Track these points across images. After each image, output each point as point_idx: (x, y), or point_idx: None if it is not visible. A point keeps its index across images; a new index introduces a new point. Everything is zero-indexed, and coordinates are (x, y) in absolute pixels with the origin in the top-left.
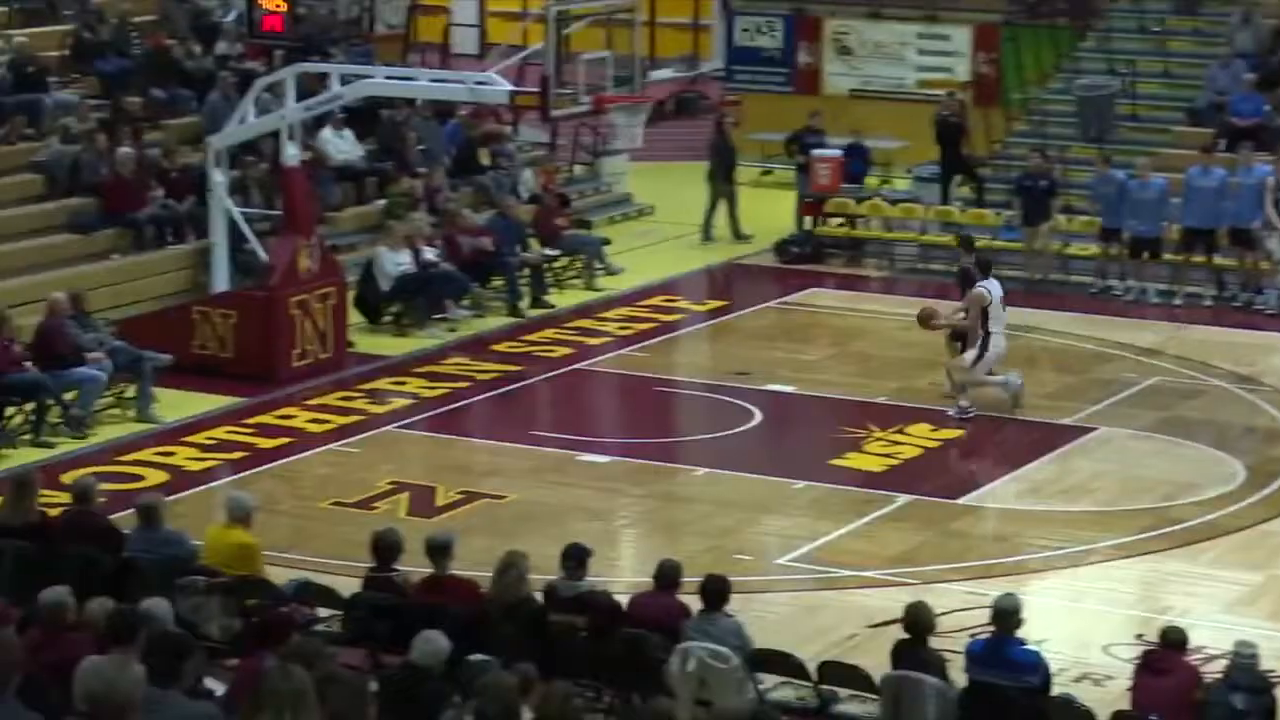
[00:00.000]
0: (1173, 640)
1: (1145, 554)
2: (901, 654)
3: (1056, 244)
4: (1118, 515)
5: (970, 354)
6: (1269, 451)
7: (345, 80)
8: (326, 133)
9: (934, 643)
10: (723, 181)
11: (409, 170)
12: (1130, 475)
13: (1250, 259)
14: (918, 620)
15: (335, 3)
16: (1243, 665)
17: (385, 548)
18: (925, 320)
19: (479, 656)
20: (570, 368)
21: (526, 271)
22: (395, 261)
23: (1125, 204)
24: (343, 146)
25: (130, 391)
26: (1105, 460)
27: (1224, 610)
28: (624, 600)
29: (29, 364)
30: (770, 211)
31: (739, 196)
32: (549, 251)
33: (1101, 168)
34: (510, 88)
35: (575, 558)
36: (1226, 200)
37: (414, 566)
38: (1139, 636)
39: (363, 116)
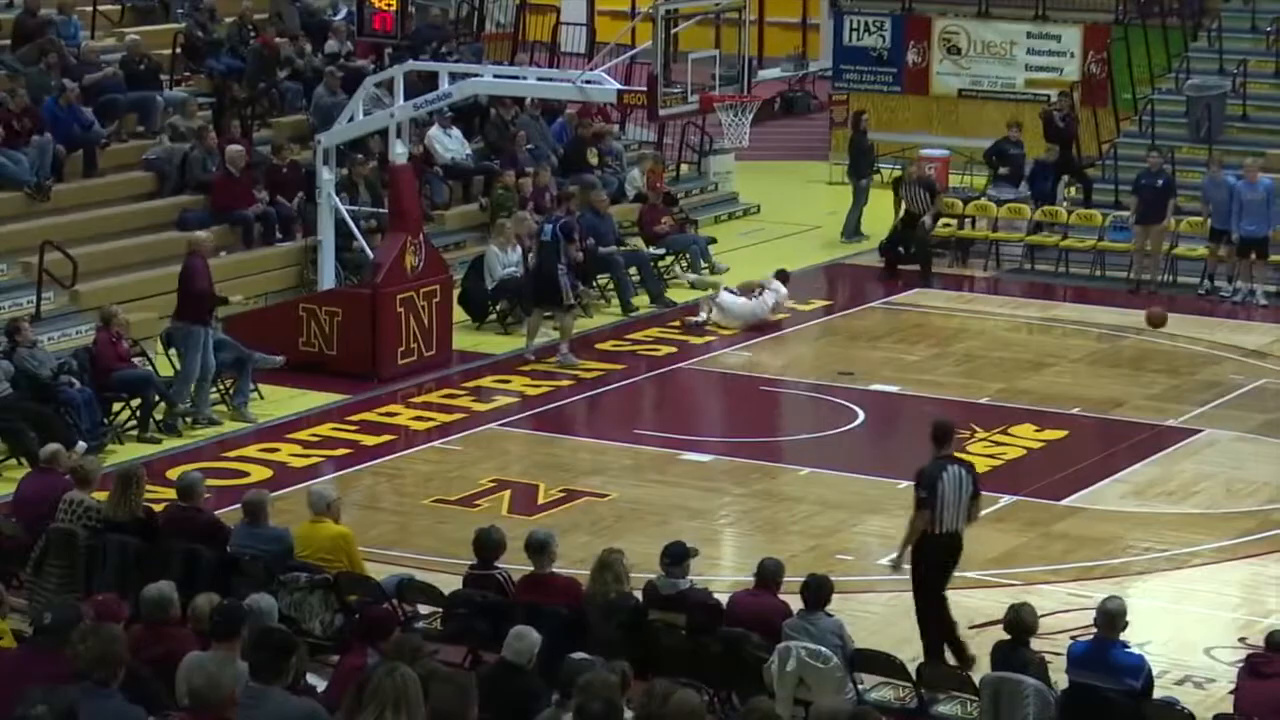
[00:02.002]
0: (1277, 643)
1: (1249, 557)
2: (1002, 655)
3: (1166, 244)
4: (1221, 518)
5: None
6: None
7: (454, 79)
8: (435, 131)
9: (1035, 644)
10: (860, 179)
11: (517, 169)
12: (1235, 477)
13: None
14: (1019, 621)
15: (446, 1)
16: None
17: (487, 545)
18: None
19: (579, 655)
20: (674, 366)
21: (633, 269)
22: (504, 261)
23: (1234, 205)
24: (450, 145)
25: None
26: (1210, 462)
27: None
28: (724, 599)
29: (137, 360)
30: (877, 211)
31: (868, 196)
32: (654, 250)
33: (1214, 171)
34: (618, 86)
35: (673, 556)
36: None
37: (515, 564)
38: (1242, 640)
39: (471, 115)
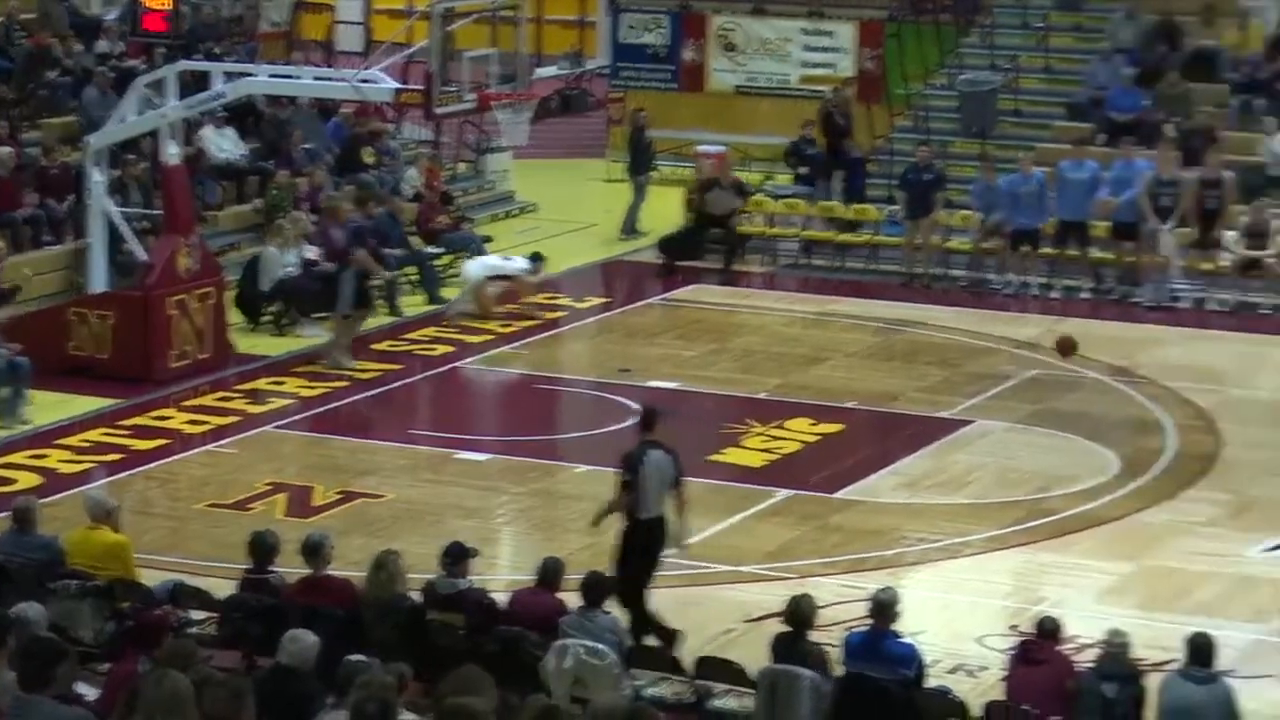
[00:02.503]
0: (1046, 630)
1: (1020, 545)
2: (781, 646)
3: (937, 238)
4: (993, 507)
5: None
6: (1143, 443)
7: (228, 78)
8: (208, 131)
9: (812, 636)
10: (639, 175)
11: (293, 168)
12: (1006, 467)
13: (1130, 252)
14: (798, 612)
15: (219, 1)
16: (1113, 654)
17: (261, 549)
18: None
19: (356, 657)
20: (450, 366)
21: (411, 270)
22: (283, 262)
23: (1007, 199)
24: (224, 145)
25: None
26: (981, 453)
27: (1096, 600)
28: (504, 598)
29: None
30: (656, 209)
31: (647, 193)
32: (431, 249)
33: (988, 176)
34: (394, 85)
35: (453, 555)
36: (1099, 193)
37: (292, 568)
38: (1013, 627)
39: (245, 115)
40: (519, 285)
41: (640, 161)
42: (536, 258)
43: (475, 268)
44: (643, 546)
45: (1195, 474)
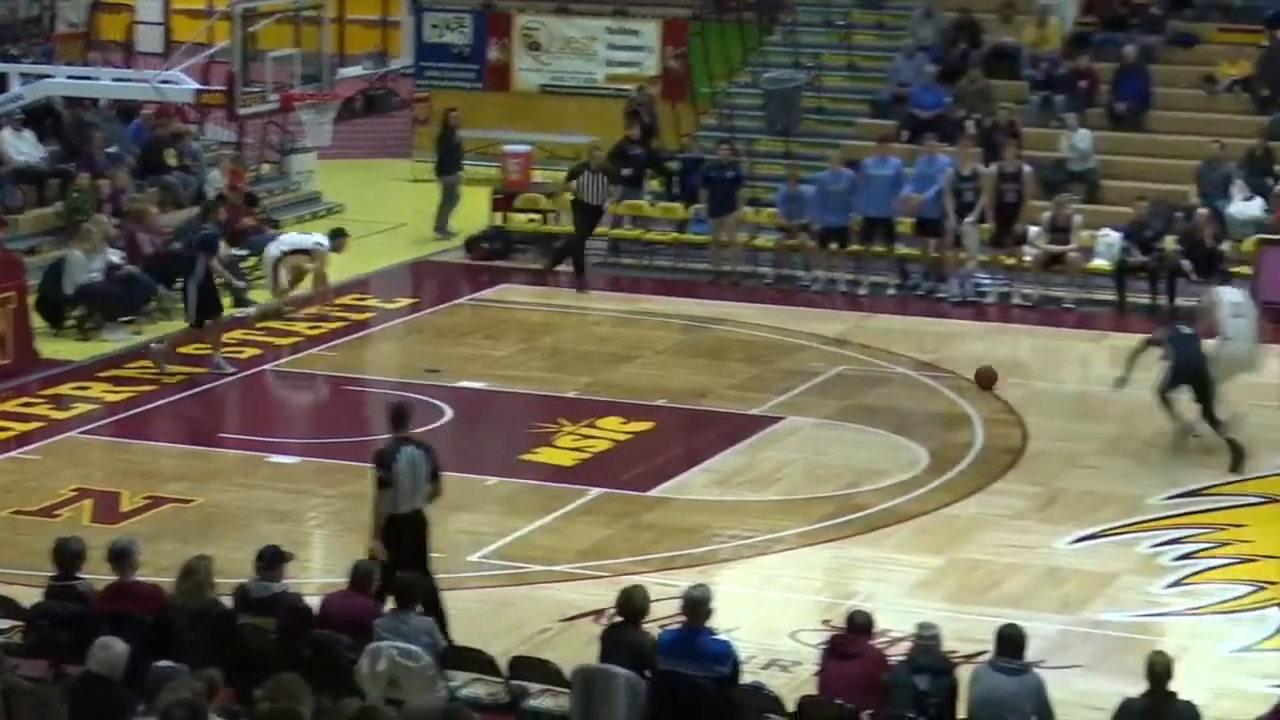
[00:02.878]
0: (858, 624)
1: (831, 541)
2: (614, 637)
3: (743, 236)
4: (804, 503)
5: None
6: (950, 437)
7: (25, 80)
8: (6, 134)
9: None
10: (448, 175)
11: (95, 171)
12: (816, 463)
13: (935, 248)
14: (631, 602)
15: (14, 1)
16: (925, 647)
17: (66, 556)
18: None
19: (165, 663)
20: (259, 369)
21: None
22: (88, 267)
23: (815, 198)
24: (23, 148)
25: None
26: (791, 449)
27: (907, 594)
28: (316, 602)
29: None
30: (462, 207)
31: (458, 193)
32: (236, 251)
33: (791, 186)
34: (196, 86)
35: (267, 559)
36: (903, 189)
37: (99, 574)
38: (826, 622)
39: (43, 116)
40: (318, 261)
41: (449, 161)
42: (338, 234)
43: (273, 247)
44: (410, 543)
45: (1003, 467)
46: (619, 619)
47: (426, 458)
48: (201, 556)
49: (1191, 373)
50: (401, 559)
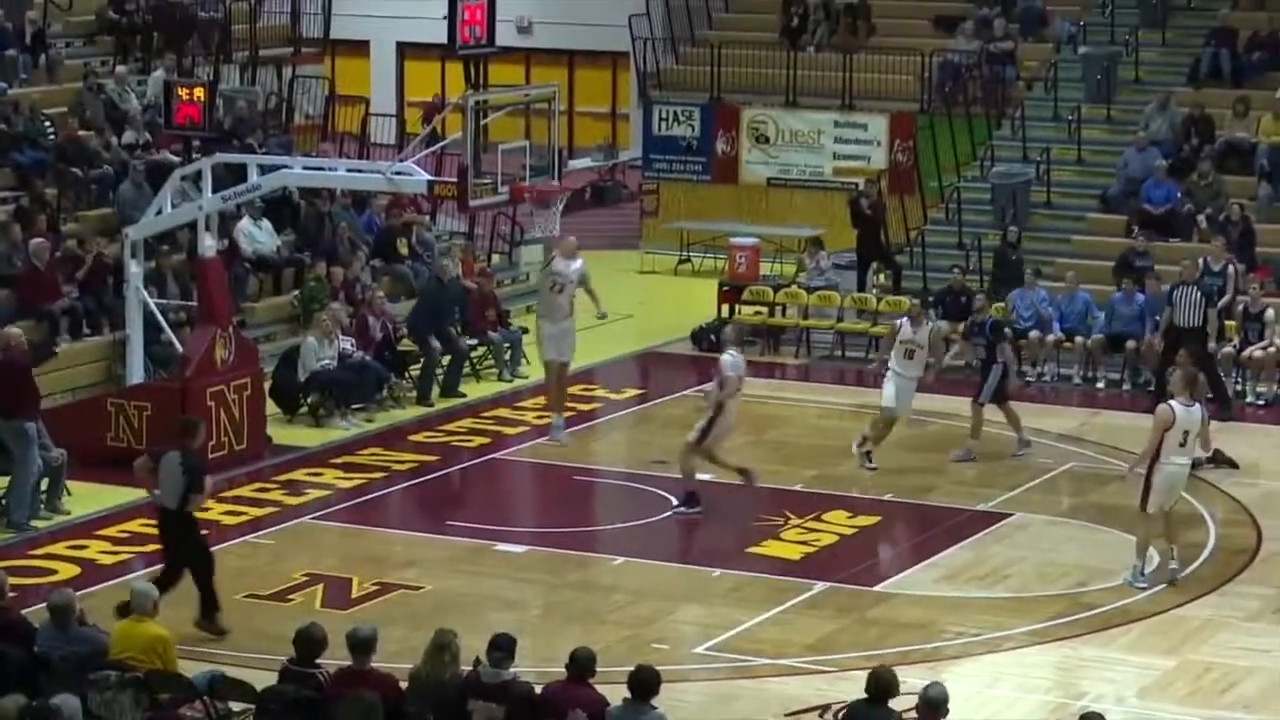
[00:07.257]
0: None
1: (1060, 640)
2: (861, 714)
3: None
4: (1033, 601)
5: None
6: (1183, 537)
7: (263, 170)
8: (244, 223)
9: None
10: None
11: (338, 260)
12: (1045, 560)
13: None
14: (880, 682)
15: (253, 93)
16: None
17: (308, 643)
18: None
19: None
20: (487, 458)
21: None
22: (320, 354)
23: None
24: (260, 237)
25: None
26: (1020, 546)
27: (1138, 695)
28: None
29: None
30: (688, 299)
31: None
32: (470, 342)
33: (1030, 282)
34: (428, 177)
35: (503, 648)
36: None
37: (331, 659)
38: None
39: (281, 206)
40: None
41: None
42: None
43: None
44: (175, 538)
45: (1236, 569)
46: (865, 697)
47: (183, 466)
48: (452, 632)
49: None
50: (180, 553)
